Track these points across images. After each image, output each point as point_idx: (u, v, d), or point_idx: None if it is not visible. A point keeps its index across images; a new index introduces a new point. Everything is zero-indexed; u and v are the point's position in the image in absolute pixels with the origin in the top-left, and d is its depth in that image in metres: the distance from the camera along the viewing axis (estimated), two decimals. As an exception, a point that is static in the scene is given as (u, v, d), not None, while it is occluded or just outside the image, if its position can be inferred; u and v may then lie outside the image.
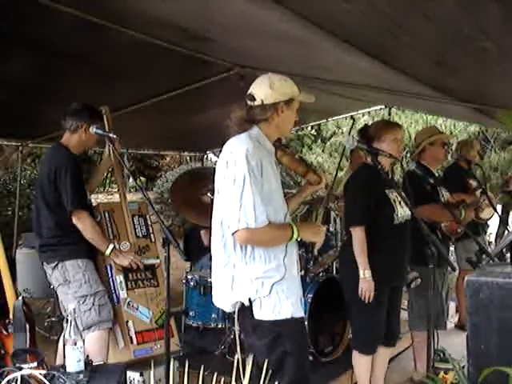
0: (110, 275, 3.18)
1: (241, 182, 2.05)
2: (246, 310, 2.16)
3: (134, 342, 3.14)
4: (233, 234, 2.09)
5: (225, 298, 2.23)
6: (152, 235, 3.48)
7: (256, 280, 2.11)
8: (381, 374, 3.20)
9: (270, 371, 1.76)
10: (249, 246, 2.12)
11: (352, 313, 3.05)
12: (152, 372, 1.88)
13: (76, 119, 3.10)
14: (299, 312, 2.20)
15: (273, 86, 2.16)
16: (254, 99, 2.18)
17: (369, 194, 2.95)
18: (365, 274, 2.87)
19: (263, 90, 2.17)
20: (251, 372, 1.43)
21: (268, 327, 2.13)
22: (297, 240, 2.21)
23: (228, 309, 2.25)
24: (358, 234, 2.91)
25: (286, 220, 2.22)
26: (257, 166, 2.07)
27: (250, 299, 2.13)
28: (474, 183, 4.44)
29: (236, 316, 2.20)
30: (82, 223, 2.99)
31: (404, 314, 3.87)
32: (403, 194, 2.91)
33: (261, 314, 2.13)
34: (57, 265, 3.00)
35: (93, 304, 2.97)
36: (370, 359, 3.07)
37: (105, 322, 3.00)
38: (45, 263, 3.07)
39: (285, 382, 2.07)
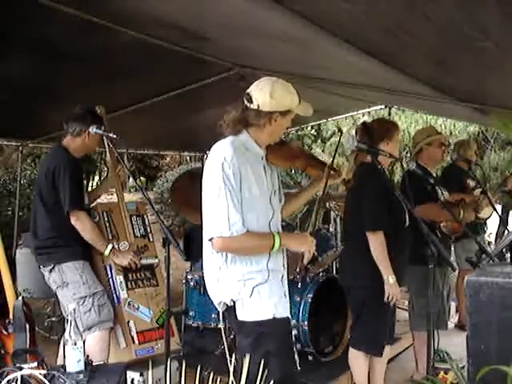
0: (110, 275, 3.18)
1: (215, 190, 2.05)
2: (230, 310, 2.16)
3: (136, 341, 3.15)
4: (209, 240, 2.10)
5: (213, 298, 2.23)
6: (150, 235, 3.48)
7: (238, 282, 2.11)
8: (381, 373, 3.20)
9: (255, 371, 1.76)
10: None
11: (362, 317, 3.00)
12: (151, 372, 1.88)
13: (79, 124, 3.11)
14: (283, 312, 2.18)
15: (273, 94, 2.11)
16: (251, 101, 2.14)
17: (386, 195, 2.91)
18: (389, 279, 2.82)
19: (263, 95, 2.12)
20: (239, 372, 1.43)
21: (251, 327, 2.12)
22: (280, 247, 2.15)
23: (219, 308, 2.23)
24: (381, 238, 2.85)
25: (271, 226, 2.19)
26: (234, 174, 2.05)
27: (232, 300, 2.12)
28: (471, 183, 4.44)
29: (221, 316, 2.21)
30: (81, 223, 2.98)
31: (404, 314, 3.88)
32: (401, 194, 2.91)
33: (243, 314, 2.13)
34: (53, 268, 3.00)
35: (92, 304, 2.97)
36: (368, 359, 3.08)
37: (105, 321, 3.00)
38: (41, 266, 3.07)
39: (269, 382, 2.05)
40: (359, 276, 3.00)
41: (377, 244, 2.85)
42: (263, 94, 2.12)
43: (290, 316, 2.24)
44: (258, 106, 2.12)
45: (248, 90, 2.18)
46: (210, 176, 2.10)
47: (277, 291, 2.18)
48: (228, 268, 2.12)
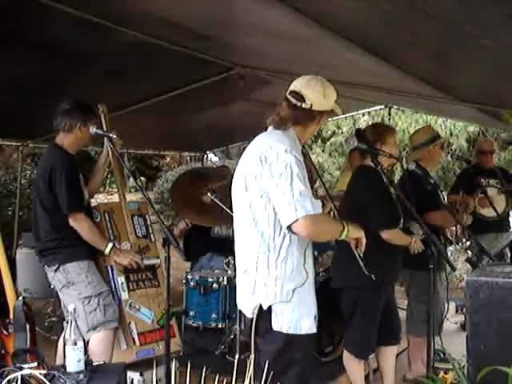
0: (111, 276, 3.15)
1: (288, 173, 1.97)
2: (263, 315, 2.11)
3: (137, 343, 3.14)
4: (289, 226, 1.97)
5: (247, 303, 2.18)
6: (152, 235, 3.46)
7: (278, 284, 2.06)
8: (391, 372, 3.22)
9: (273, 375, 1.76)
10: (284, 249, 2.05)
11: (353, 318, 3.00)
12: (153, 372, 1.88)
13: (69, 119, 3.03)
14: (313, 326, 2.17)
15: (326, 94, 2.11)
16: (303, 100, 2.10)
17: (387, 195, 2.93)
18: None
19: (316, 95, 2.10)
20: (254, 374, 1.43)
21: (281, 336, 2.09)
22: (346, 236, 2.19)
23: (249, 314, 2.18)
24: (395, 234, 2.90)
25: None
26: (300, 162, 2.02)
27: (270, 305, 2.08)
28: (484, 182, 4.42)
29: (255, 319, 2.14)
30: (79, 225, 2.96)
31: (402, 314, 3.86)
32: (401, 194, 2.90)
33: (278, 324, 2.08)
34: (58, 268, 2.98)
35: (98, 304, 2.95)
36: (362, 360, 3.08)
37: (110, 321, 2.99)
38: (46, 266, 3.05)
39: None
40: (350, 277, 2.96)
41: (393, 240, 2.89)
42: (316, 93, 2.11)
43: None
44: (311, 106, 2.10)
45: (297, 89, 2.14)
46: (277, 163, 2.00)
47: (311, 296, 2.18)
48: (276, 269, 2.06)
